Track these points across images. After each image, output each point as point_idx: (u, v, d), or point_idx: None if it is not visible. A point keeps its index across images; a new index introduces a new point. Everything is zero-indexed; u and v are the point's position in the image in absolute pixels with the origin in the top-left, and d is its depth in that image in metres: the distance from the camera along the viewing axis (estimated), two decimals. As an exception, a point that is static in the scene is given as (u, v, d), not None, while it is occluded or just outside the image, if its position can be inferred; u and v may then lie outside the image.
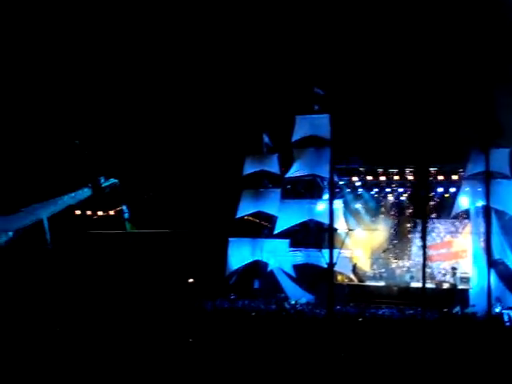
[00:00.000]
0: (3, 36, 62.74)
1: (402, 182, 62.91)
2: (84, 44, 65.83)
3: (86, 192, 60.34)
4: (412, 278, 60.10)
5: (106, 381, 28.14)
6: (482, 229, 53.36)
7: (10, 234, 61.46)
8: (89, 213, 63.00)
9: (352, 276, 60.68)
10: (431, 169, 59.73)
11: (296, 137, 60.86)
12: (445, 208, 61.29)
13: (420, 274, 51.57)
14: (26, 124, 66.83)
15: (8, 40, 63.68)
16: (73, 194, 60.29)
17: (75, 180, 60.11)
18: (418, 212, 60.32)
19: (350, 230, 56.18)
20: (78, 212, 62.16)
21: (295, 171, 61.23)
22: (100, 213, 62.95)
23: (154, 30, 66.11)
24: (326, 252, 46.33)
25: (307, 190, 62.81)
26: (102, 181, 60.46)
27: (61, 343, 32.12)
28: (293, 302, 55.43)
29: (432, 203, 62.04)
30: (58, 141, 60.16)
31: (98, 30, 65.16)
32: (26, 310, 41.04)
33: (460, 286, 57.49)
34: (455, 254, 61.74)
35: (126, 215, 62.10)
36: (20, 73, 64.59)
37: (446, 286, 58.23)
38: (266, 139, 62.78)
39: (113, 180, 60.92)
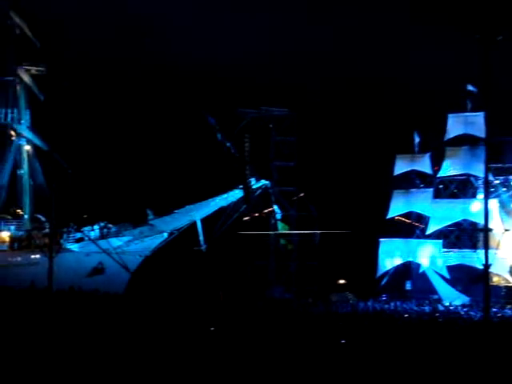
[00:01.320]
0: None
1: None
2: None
3: (237, 193, 61.03)
4: None
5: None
6: None
7: (165, 235, 63.17)
8: (240, 214, 63.65)
9: (509, 277, 58.56)
10: None
11: (449, 135, 59.75)
12: None
13: None
14: (178, 127, 68.61)
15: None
16: (225, 196, 61.14)
17: (227, 182, 60.98)
18: None
19: (506, 230, 54.42)
20: (229, 213, 62.95)
21: (448, 170, 60.03)
22: (251, 214, 63.49)
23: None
24: (480, 253, 44.94)
25: (461, 189, 61.42)
26: (253, 182, 60.99)
27: (212, 343, 32.55)
28: (447, 304, 54.12)
29: None
30: (210, 143, 61.23)
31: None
32: (179, 310, 41.87)
33: None
34: None
35: (278, 215, 62.37)
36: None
37: None
38: (417, 138, 61.75)
39: (263, 181, 61.32)
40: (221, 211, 61.26)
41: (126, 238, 62.03)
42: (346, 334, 34.83)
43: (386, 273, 60.42)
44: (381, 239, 61.09)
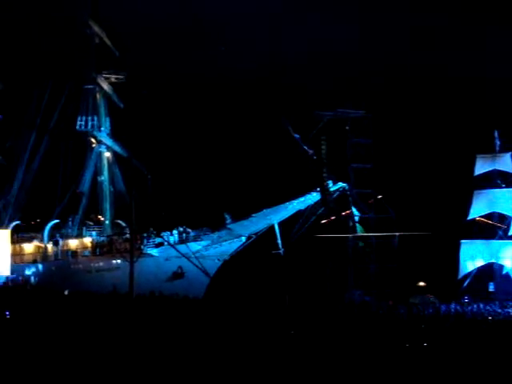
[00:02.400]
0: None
1: None
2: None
3: (314, 196, 60.73)
4: None
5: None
6: None
7: (243, 239, 63.31)
8: (318, 217, 63.35)
9: None
10: None
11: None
12: None
13: None
14: (255, 131, 68.82)
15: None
16: (302, 199, 60.90)
17: (304, 185, 60.77)
18: None
19: None
20: (307, 216, 62.70)
21: (530, 169, 58.75)
22: (329, 217, 63.13)
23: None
24: None
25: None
26: (331, 185, 60.58)
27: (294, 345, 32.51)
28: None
29: None
30: (287, 147, 61.16)
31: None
32: (258, 313, 41.90)
33: None
34: None
35: (356, 218, 61.83)
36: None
37: None
38: (497, 137, 60.55)
39: (341, 184, 60.86)
40: (298, 214, 61.05)
41: (204, 243, 62.41)
42: (429, 337, 34.38)
43: (468, 274, 59.35)
44: (462, 241, 60.01)
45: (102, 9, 68.29)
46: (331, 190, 60.69)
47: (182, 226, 63.50)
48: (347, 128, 63.44)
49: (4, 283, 59.58)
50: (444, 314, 50.22)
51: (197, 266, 57.88)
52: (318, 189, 60.54)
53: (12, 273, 61.38)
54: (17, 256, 66.07)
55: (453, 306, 53.28)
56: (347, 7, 79.17)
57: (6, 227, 64.85)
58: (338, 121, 62.88)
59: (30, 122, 69.27)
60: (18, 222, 69.48)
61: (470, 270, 59.34)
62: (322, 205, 60.54)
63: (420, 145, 72.20)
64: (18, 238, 67.76)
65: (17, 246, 67.02)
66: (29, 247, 69.36)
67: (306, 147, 59.86)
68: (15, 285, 60.59)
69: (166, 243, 61.20)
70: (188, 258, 57.99)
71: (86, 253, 66.46)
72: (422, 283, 59.95)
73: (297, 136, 59.73)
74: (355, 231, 61.96)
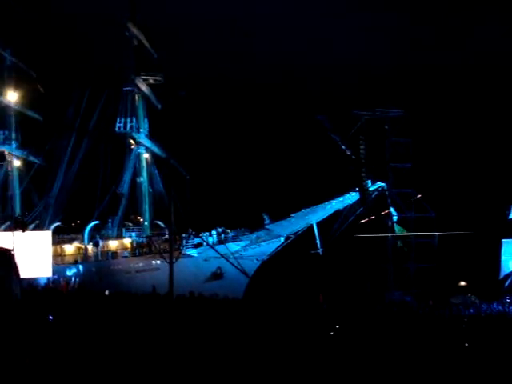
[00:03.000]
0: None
1: None
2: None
3: (353, 196, 60.54)
4: None
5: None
6: None
7: (282, 239, 63.31)
8: (356, 217, 63.12)
9: None
10: None
11: None
12: None
13: None
14: (294, 131, 68.73)
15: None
16: (341, 199, 60.76)
17: (343, 184, 60.64)
18: None
19: None
20: (345, 216, 62.50)
21: None
22: (368, 217, 62.87)
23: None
24: None
25: None
26: (369, 184, 60.34)
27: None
28: None
29: None
30: (326, 146, 61.07)
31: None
32: (297, 313, 41.89)
33: None
34: None
35: (395, 218, 61.45)
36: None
37: None
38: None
39: (380, 183, 60.56)
40: (337, 214, 60.91)
41: (243, 243, 62.56)
42: (470, 337, 34.04)
43: (510, 274, 58.59)
44: (503, 240, 59.30)
45: (139, 10, 68.89)
46: (370, 189, 60.46)
47: (220, 227, 63.73)
48: (386, 127, 63.05)
49: (46, 284, 60.20)
50: (485, 314, 49.73)
51: (235, 267, 57.95)
52: (357, 188, 60.35)
53: (53, 273, 62.07)
54: (58, 257, 66.80)
55: (494, 305, 52.67)
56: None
57: (47, 229, 65.52)
58: (376, 120, 62.55)
59: (70, 124, 69.99)
60: (58, 224, 70.36)
61: (511, 270, 58.61)
62: (360, 205, 60.32)
63: (460, 143, 71.59)
64: (58, 239, 68.57)
65: (58, 247, 67.81)
66: (69, 248, 70.22)
67: (344, 147, 59.69)
68: (56, 286, 61.22)
69: (204, 244, 61.45)
70: (227, 259, 58.10)
71: (126, 253, 66.99)
72: (462, 283, 59.38)
73: (335, 136, 59.59)
74: (394, 231, 61.59)
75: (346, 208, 60.66)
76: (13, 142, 75.97)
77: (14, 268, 27.73)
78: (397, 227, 61.28)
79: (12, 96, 75.37)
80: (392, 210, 61.73)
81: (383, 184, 60.86)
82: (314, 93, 69.34)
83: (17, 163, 76.91)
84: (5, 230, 63.29)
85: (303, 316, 39.68)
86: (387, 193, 61.12)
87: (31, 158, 75.82)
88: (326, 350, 30.66)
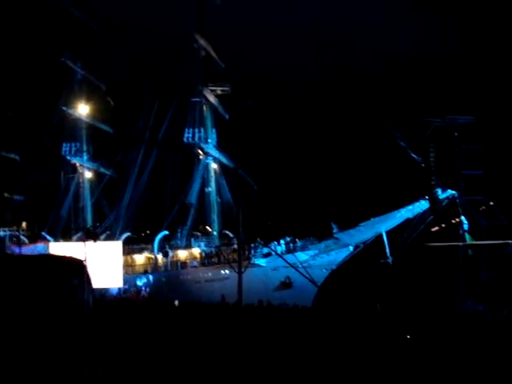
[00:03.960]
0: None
1: None
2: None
3: (423, 204, 59.76)
4: None
5: None
6: None
7: (351, 248, 62.89)
8: (427, 225, 62.30)
9: None
10: None
11: None
12: None
13: None
14: (362, 140, 68.29)
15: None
16: (410, 207, 60.03)
17: (412, 193, 59.90)
18: None
19: None
20: (415, 225, 61.74)
21: None
22: (438, 225, 61.97)
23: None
24: None
25: None
26: (439, 193, 59.48)
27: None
28: None
29: None
30: (395, 154, 60.51)
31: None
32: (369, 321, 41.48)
33: None
34: None
35: (466, 226, 60.36)
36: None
37: None
38: None
39: (450, 191, 59.63)
40: (407, 223, 60.19)
41: (311, 252, 62.36)
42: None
43: None
44: None
45: (206, 22, 69.44)
46: (440, 197, 59.60)
47: (289, 236, 63.64)
48: (456, 134, 62.09)
49: (117, 294, 61.02)
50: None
51: (304, 276, 57.71)
52: (427, 197, 59.57)
53: (124, 283, 62.83)
54: (128, 267, 67.61)
55: None
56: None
57: (118, 239, 66.45)
58: (446, 127, 61.65)
59: (140, 136, 70.94)
60: (128, 234, 71.25)
61: None
62: (430, 213, 59.50)
63: None
64: (129, 249, 69.39)
65: (128, 257, 68.64)
66: (140, 258, 71.06)
67: (414, 155, 59.01)
68: (127, 296, 61.98)
69: (273, 253, 61.41)
70: (296, 268, 57.96)
71: (195, 263, 67.44)
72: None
73: (404, 144, 58.98)
74: (464, 240, 60.53)
75: (415, 216, 59.87)
76: (84, 154, 77.48)
77: (86, 278, 28.15)
78: (467, 236, 60.19)
79: (83, 109, 76.94)
80: (463, 218, 60.71)
81: (454, 192, 59.87)
82: (384, 100, 68.69)
83: (88, 175, 78.43)
84: (77, 241, 64.29)
85: (374, 324, 39.36)
86: (458, 201, 60.10)
87: (102, 170, 77.20)
88: (398, 358, 30.33)
